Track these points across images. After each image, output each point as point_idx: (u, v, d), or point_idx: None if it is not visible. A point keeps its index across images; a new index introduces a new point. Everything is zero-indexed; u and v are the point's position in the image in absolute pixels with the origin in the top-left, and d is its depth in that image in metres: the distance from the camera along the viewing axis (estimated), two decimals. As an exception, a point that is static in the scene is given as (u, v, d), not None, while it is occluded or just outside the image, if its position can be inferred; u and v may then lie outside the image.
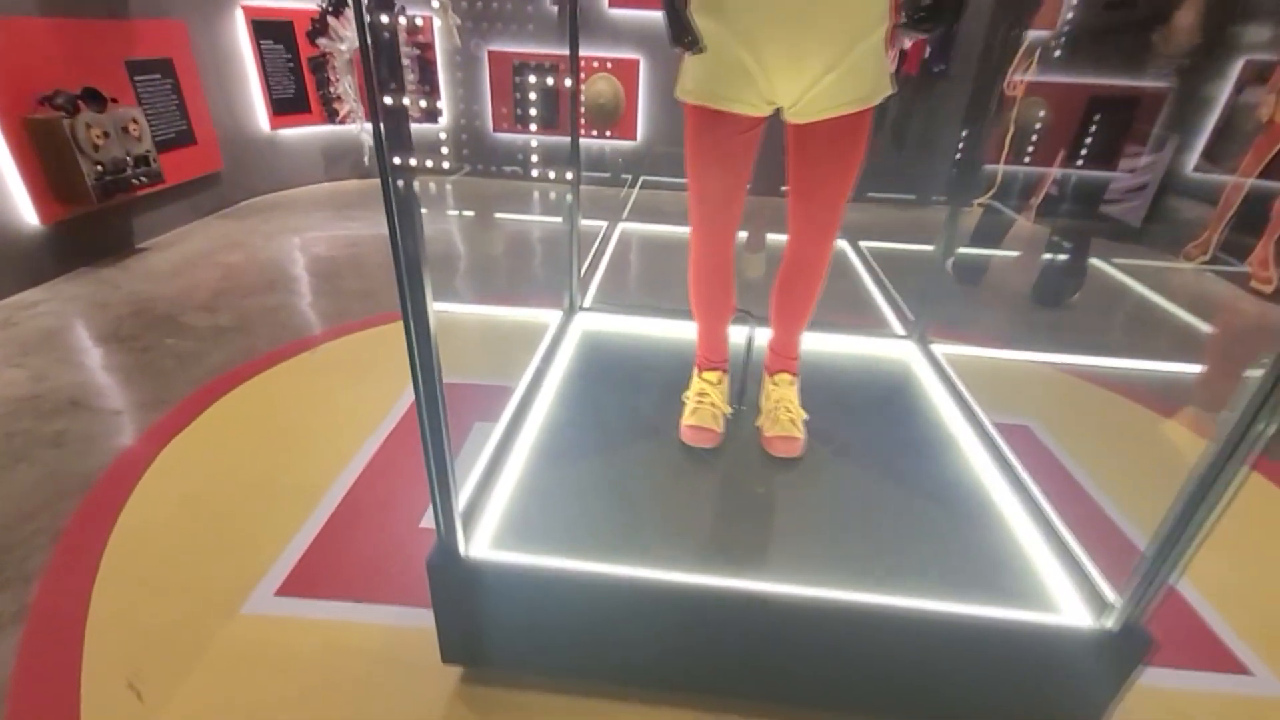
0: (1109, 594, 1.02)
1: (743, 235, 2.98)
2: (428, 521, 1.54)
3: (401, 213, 0.78)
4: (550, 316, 1.94)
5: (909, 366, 1.81)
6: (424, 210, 0.82)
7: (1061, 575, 1.10)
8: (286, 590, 1.34)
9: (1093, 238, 3.03)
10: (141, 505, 1.57)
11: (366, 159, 4.60)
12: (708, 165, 1.20)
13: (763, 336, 1.53)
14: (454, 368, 2.28)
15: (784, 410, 1.42)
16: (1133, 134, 3.86)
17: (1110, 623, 0.97)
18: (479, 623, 1.10)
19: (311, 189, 4.53)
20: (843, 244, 3.63)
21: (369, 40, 0.69)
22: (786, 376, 1.47)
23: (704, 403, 1.44)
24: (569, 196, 1.92)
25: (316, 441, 1.82)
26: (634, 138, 4.64)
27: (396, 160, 0.75)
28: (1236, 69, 3.61)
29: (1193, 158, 3.67)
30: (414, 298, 0.83)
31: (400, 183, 0.77)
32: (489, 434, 1.40)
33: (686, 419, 1.43)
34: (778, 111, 1.15)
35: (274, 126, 4.14)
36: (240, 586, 1.35)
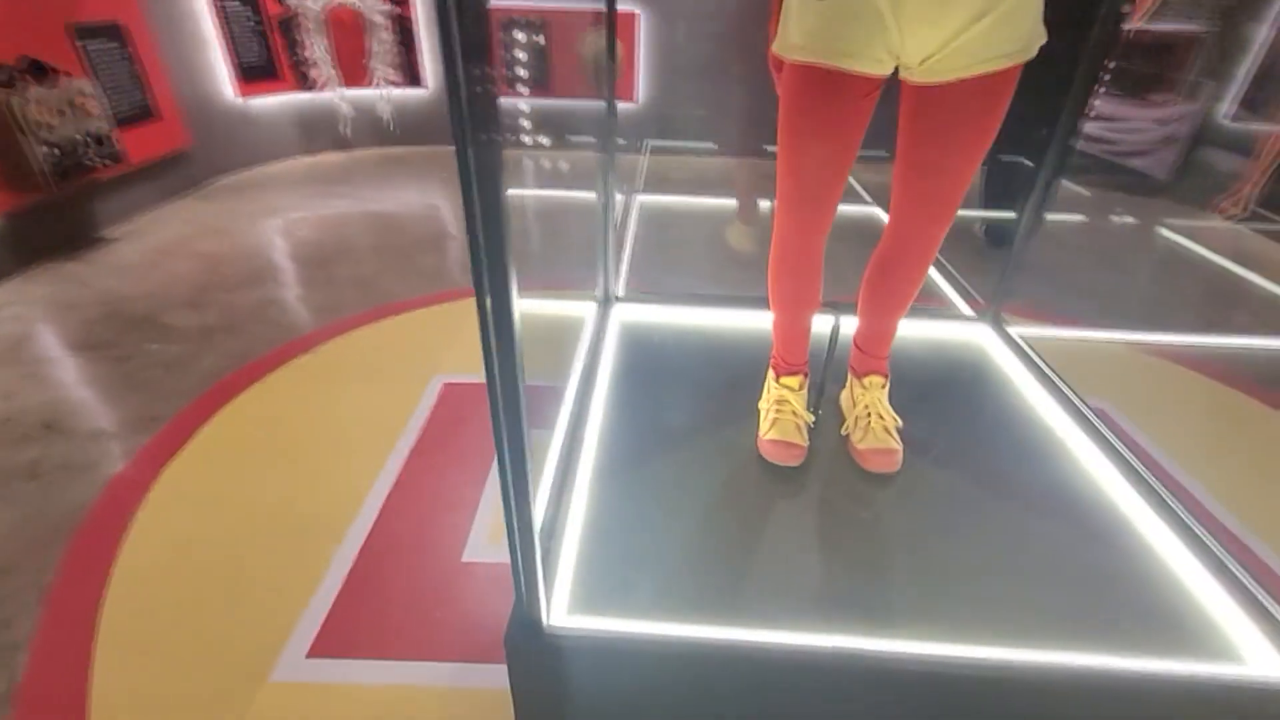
0: (1304, 638, 0.88)
1: (731, 202, 2.79)
2: (471, 554, 1.36)
3: (488, 210, 0.57)
4: (576, 304, 1.73)
5: (986, 352, 1.64)
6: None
7: (1234, 610, 0.95)
8: (320, 650, 1.17)
9: (1104, 189, 2.92)
10: (138, 549, 1.37)
11: (343, 128, 4.26)
12: (813, 137, 0.99)
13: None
14: (470, 365, 2.09)
15: (876, 418, 1.25)
16: (1161, 82, 3.66)
17: (1319, 678, 0.82)
18: (567, 703, 0.93)
19: (288, 164, 4.20)
20: (875, 210, 3.42)
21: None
22: (878, 379, 1.29)
23: (784, 412, 1.26)
24: (602, 172, 1.69)
25: (332, 461, 1.62)
26: (634, 99, 4.34)
27: (485, 137, 0.54)
28: (1277, 9, 3.40)
29: (1230, 106, 3.50)
30: (502, 347, 0.63)
31: (485, 167, 0.56)
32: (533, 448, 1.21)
33: (766, 432, 1.25)
34: (894, 71, 0.95)
35: (243, 95, 3.79)
36: (266, 648, 1.17)
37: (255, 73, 3.80)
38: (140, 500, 1.49)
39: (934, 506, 1.16)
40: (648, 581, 1.00)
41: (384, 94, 4.21)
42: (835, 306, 1.30)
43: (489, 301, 0.61)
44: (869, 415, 1.26)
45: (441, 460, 1.62)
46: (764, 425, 1.27)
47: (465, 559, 1.35)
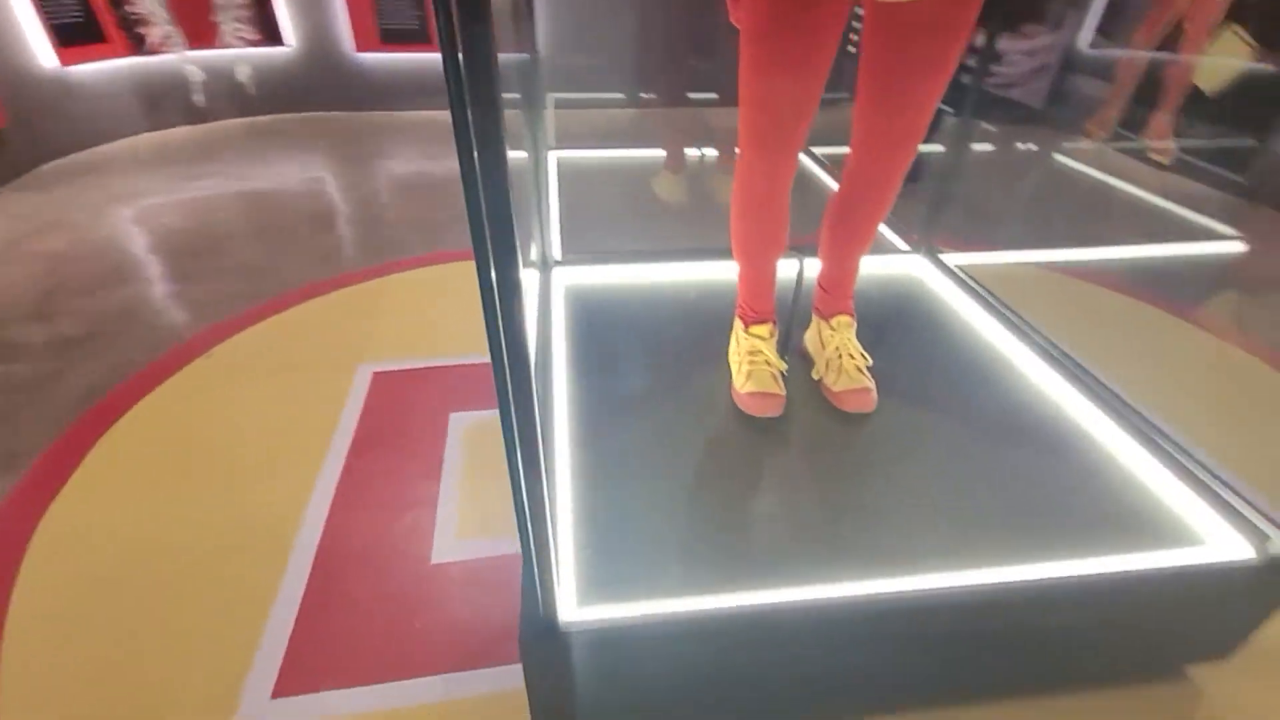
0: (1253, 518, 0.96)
1: (659, 153, 2.70)
2: (440, 554, 1.25)
3: (490, 178, 0.47)
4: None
5: (925, 284, 1.68)
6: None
7: (1195, 501, 1.03)
8: (287, 687, 1.03)
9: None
10: (32, 605, 1.15)
11: (198, 97, 3.73)
12: (781, 67, 0.92)
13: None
14: (400, 350, 1.91)
15: (848, 358, 1.24)
16: (1033, 14, 3.87)
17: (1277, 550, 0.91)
18: (584, 695, 0.87)
19: (131, 142, 3.63)
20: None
21: None
22: (845, 319, 1.28)
23: (758, 362, 1.23)
24: (530, 130, 1.55)
25: (257, 473, 1.43)
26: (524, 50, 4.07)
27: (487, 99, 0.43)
28: (1124, -60, 3.66)
29: (1089, 35, 3.77)
30: (506, 308, 0.53)
31: (485, 134, 0.45)
32: (478, 429, 1.11)
33: (743, 385, 1.21)
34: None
35: (63, 62, 3.20)
36: (220, 697, 1.01)
37: (74, 34, 3.22)
38: (21, 552, 1.25)
39: (910, 441, 1.17)
40: (649, 558, 0.94)
41: (238, 54, 3.70)
42: (798, 250, 1.26)
43: (494, 279, 0.50)
44: (840, 356, 1.25)
45: (387, 456, 1.47)
46: (739, 378, 1.23)
47: (435, 560, 1.24)
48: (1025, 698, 1.02)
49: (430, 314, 2.05)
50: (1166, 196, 3.03)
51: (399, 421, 1.58)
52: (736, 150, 1.07)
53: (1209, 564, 0.93)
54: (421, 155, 3.59)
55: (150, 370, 1.75)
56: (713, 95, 2.53)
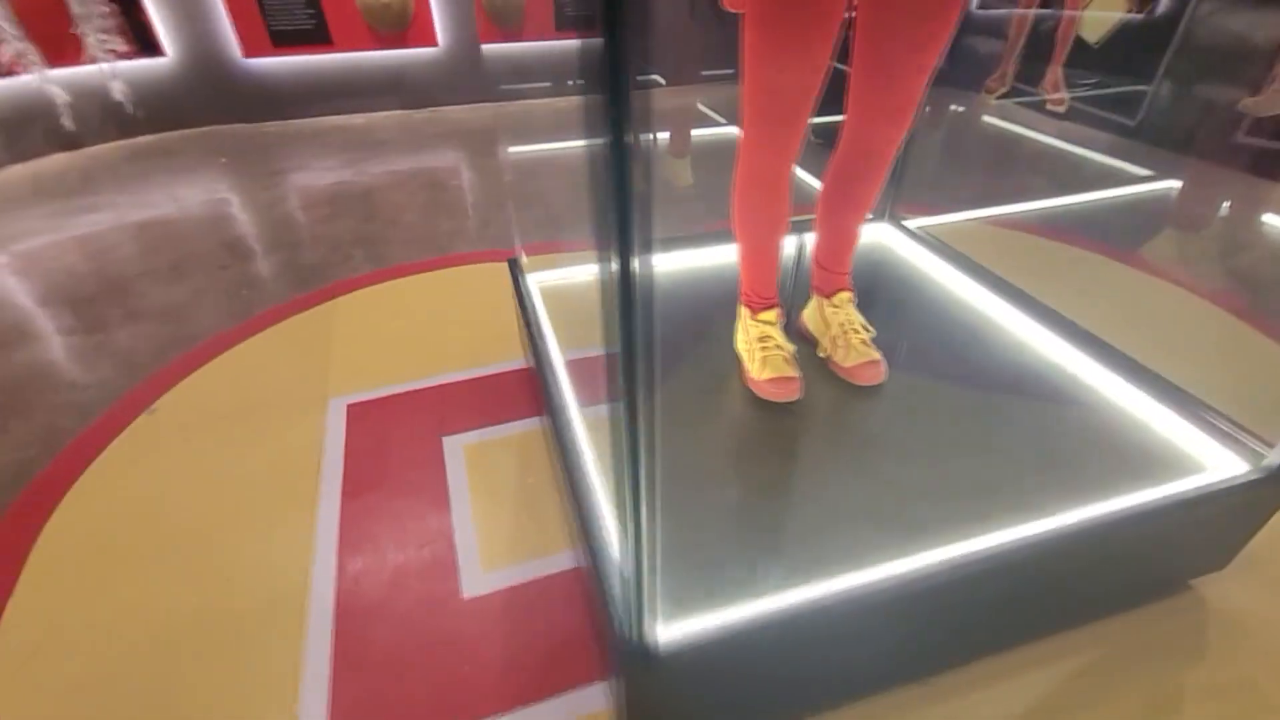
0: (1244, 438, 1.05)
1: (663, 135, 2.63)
2: (472, 587, 1.19)
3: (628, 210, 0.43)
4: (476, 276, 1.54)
5: (895, 251, 1.74)
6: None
7: (1188, 430, 1.12)
8: (341, 761, 0.95)
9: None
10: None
11: (67, 121, 3.32)
12: (787, 47, 0.91)
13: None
14: (369, 378, 1.78)
15: (854, 333, 1.27)
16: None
17: (1274, 462, 1.00)
18: (683, 712, 0.85)
19: (-8, 178, 3.20)
20: (733, 130, 3.43)
21: None
22: (846, 294, 1.30)
23: (769, 348, 1.23)
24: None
25: (248, 531, 1.31)
26: (434, 43, 3.87)
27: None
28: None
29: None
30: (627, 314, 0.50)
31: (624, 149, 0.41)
32: (476, 450, 1.07)
33: (760, 373, 1.21)
34: None
35: (-108, 94, 2.76)
36: (267, 786, 0.93)
37: (-98, 59, 2.77)
38: (-20, 667, 1.08)
39: (923, 406, 1.21)
40: (714, 563, 0.93)
41: (110, 69, 3.31)
42: (794, 227, 1.26)
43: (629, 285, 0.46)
44: (845, 332, 1.27)
45: (385, 494, 1.38)
46: (754, 366, 1.23)
47: (467, 595, 1.17)
48: (1047, 638, 1.08)
49: (392, 334, 1.93)
50: (1070, 142, 3.27)
51: (389, 454, 1.49)
52: (739, 131, 1.06)
53: (1214, 484, 1.02)
54: (341, 165, 3.36)
55: (87, 437, 1.56)
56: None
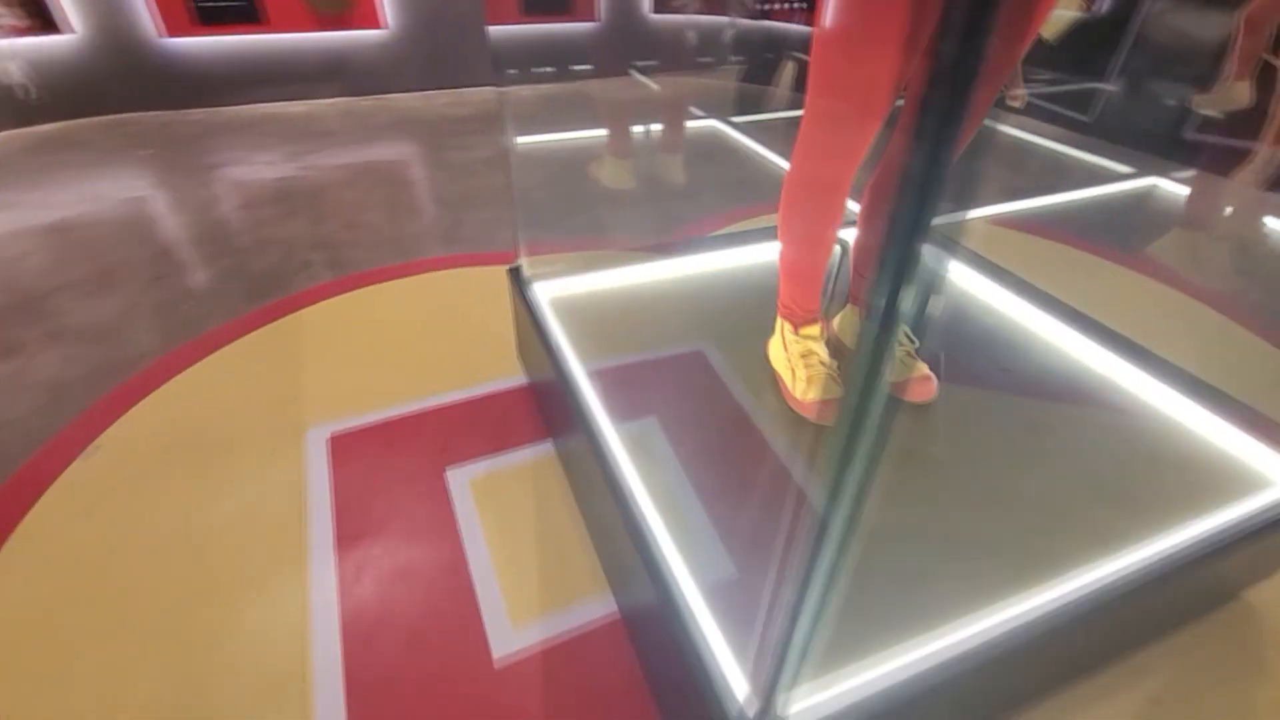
0: None
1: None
2: (502, 648, 1.05)
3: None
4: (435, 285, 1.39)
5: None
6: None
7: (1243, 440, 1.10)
8: None
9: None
10: None
11: (31, 91, 2.88)
12: (871, 37, 0.81)
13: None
14: (353, 404, 1.58)
15: (898, 345, 1.19)
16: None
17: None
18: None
19: None
20: (715, 123, 3.31)
21: None
22: (891, 306, 1.22)
23: (813, 364, 1.14)
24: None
25: (227, 597, 1.12)
26: (380, 25, 3.58)
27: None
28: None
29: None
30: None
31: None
32: (486, 482, 0.95)
33: (804, 393, 1.12)
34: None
35: None
36: None
37: None
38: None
39: (978, 422, 1.15)
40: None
41: (6, 46, 2.89)
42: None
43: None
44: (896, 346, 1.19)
45: (387, 541, 1.22)
46: (798, 385, 1.14)
47: (498, 660, 1.04)
48: (1116, 663, 1.05)
49: (368, 351, 1.74)
50: (1031, 134, 3.34)
51: (385, 493, 1.32)
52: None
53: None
54: (283, 158, 3.06)
55: (11, 486, 1.32)
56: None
